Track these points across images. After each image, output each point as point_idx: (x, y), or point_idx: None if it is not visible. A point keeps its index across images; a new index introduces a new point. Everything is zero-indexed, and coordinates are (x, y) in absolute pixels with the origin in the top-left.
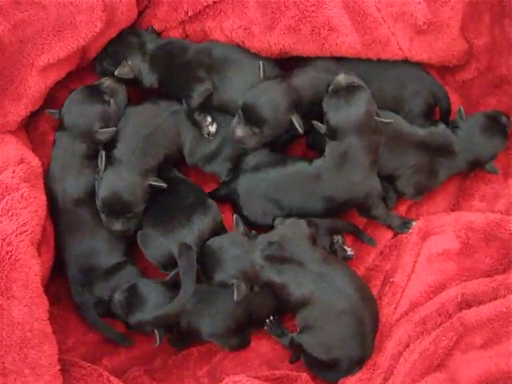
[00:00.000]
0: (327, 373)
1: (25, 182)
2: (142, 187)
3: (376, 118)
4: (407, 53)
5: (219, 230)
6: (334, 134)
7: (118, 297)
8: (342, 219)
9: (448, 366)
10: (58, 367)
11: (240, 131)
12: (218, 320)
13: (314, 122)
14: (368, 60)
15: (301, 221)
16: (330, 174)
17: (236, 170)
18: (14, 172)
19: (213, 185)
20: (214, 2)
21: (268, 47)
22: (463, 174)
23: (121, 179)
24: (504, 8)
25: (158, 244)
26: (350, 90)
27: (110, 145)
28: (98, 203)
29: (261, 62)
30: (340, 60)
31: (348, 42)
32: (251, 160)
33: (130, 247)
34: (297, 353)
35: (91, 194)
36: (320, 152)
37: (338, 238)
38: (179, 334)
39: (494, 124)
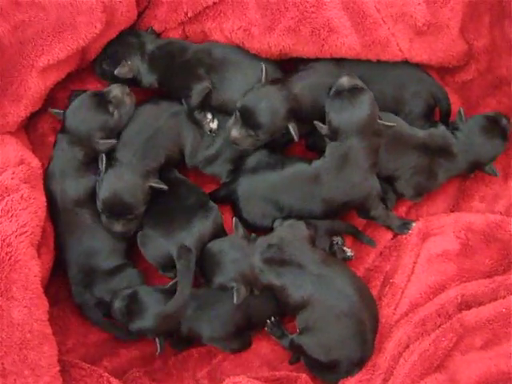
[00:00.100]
0: (327, 374)
1: (25, 182)
2: (143, 189)
3: (379, 120)
4: (407, 54)
5: (220, 232)
6: (335, 134)
7: (117, 304)
8: (341, 220)
9: (448, 367)
10: (58, 368)
11: (235, 132)
12: (217, 324)
13: (316, 123)
14: (368, 61)
15: (300, 222)
16: (329, 175)
17: (236, 171)
18: (13, 173)
19: (212, 186)
20: (214, 3)
21: (268, 48)
22: (463, 175)
23: (122, 181)
24: (504, 9)
25: (157, 245)
26: (354, 91)
27: None
28: (99, 204)
29: (263, 65)
30: (340, 61)
31: (348, 43)
32: (251, 161)
33: (131, 249)
34: (297, 354)
35: (91, 195)
36: (320, 153)
37: (337, 239)
38: (180, 339)
39: (493, 126)
